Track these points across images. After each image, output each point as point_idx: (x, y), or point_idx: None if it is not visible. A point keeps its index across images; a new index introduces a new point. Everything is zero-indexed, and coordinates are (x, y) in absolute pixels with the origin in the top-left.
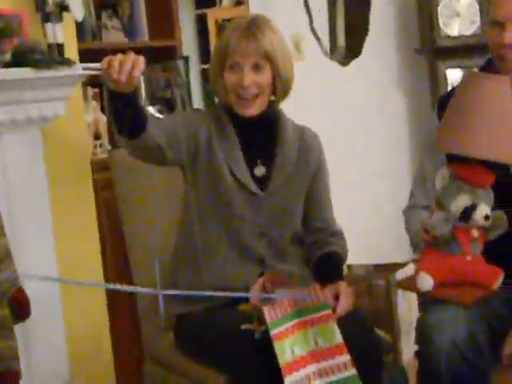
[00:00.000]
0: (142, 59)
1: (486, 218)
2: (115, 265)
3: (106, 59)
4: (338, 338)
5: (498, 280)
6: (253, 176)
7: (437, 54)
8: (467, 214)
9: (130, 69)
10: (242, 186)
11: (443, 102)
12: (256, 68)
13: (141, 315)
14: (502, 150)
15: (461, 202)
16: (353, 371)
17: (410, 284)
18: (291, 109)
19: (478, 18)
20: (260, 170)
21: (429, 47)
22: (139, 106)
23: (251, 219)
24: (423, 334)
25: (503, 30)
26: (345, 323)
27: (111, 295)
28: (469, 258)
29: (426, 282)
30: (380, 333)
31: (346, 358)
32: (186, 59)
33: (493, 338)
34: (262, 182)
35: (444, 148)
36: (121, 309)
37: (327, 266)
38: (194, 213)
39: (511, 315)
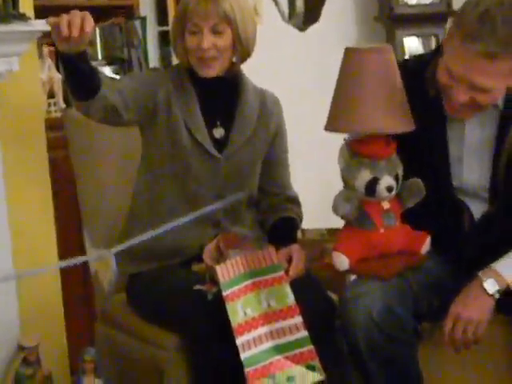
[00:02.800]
0: (89, 14)
1: (389, 189)
2: (66, 225)
3: (52, 19)
4: (291, 300)
5: (425, 245)
6: (212, 137)
7: (394, 22)
8: (371, 187)
9: (81, 23)
10: (200, 148)
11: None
12: (215, 31)
13: (92, 275)
14: (388, 122)
15: (362, 177)
16: (304, 333)
17: (329, 266)
18: (247, 72)
19: None
20: (219, 132)
21: (386, 15)
22: (92, 66)
23: (208, 181)
24: (342, 308)
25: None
26: (298, 286)
27: (63, 254)
28: (382, 230)
29: (341, 260)
30: (332, 297)
31: (297, 319)
32: (143, 20)
33: (418, 311)
34: (220, 144)
35: (329, 128)
36: (72, 268)
37: (282, 230)
38: (150, 173)
39: (436, 287)
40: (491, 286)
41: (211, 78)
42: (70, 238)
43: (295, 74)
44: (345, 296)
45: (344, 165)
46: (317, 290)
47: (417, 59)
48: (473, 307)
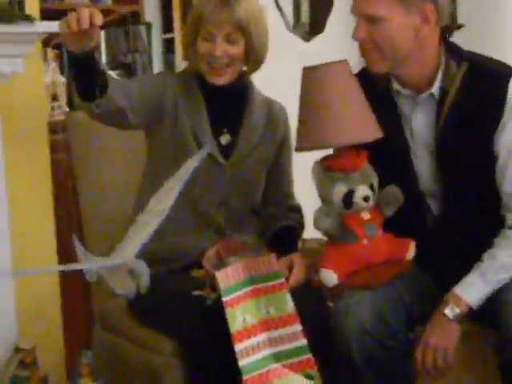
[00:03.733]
0: (97, 10)
1: (366, 199)
2: (66, 228)
3: (64, 19)
4: (290, 308)
5: (410, 250)
6: (218, 144)
7: None
8: (347, 200)
9: (90, 17)
10: (206, 157)
11: None
12: (229, 40)
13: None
14: (357, 132)
15: (337, 191)
16: (303, 341)
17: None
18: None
19: None
20: (225, 138)
21: None
22: (100, 67)
23: (212, 187)
24: (334, 319)
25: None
26: (298, 294)
27: (63, 259)
28: (365, 241)
29: (329, 277)
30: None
31: (296, 327)
32: (149, 26)
33: (410, 317)
34: (226, 151)
35: (299, 149)
36: (72, 272)
37: (283, 239)
38: (155, 178)
39: (427, 293)
40: (451, 311)
41: (220, 87)
42: (69, 241)
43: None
44: (336, 307)
45: (318, 182)
46: (316, 299)
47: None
48: (438, 334)
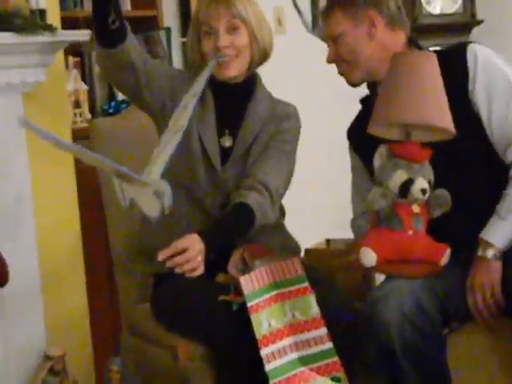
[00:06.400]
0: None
1: (423, 191)
2: (92, 234)
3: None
4: (315, 311)
5: (444, 257)
6: (220, 147)
7: (418, 32)
8: (405, 188)
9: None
10: (207, 159)
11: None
12: (231, 29)
13: (119, 285)
14: (447, 119)
15: (398, 177)
16: (329, 345)
17: (354, 263)
18: (270, 82)
19: None
20: (227, 141)
21: (410, 25)
22: (121, 12)
23: (212, 190)
24: (372, 307)
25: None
26: (323, 296)
27: (90, 267)
28: (410, 232)
29: (369, 256)
30: (358, 307)
31: (322, 331)
32: (168, 30)
33: (441, 308)
34: (227, 153)
35: (383, 122)
36: (99, 280)
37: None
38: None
39: (455, 288)
40: (486, 253)
41: (228, 85)
42: (95, 247)
43: (314, 82)
44: (373, 296)
45: (380, 164)
46: (342, 301)
47: None
48: (481, 273)
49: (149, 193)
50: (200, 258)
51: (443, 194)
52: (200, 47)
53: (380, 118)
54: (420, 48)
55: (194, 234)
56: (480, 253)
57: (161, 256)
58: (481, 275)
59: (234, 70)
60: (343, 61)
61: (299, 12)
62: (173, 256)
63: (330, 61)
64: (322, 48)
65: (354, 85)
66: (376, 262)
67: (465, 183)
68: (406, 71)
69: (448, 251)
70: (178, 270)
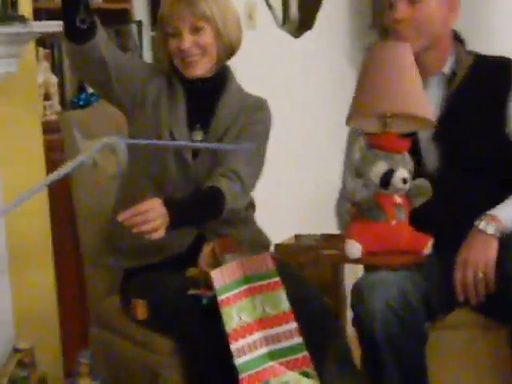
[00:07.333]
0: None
1: (404, 181)
2: (62, 227)
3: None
4: (286, 306)
5: (427, 246)
6: (191, 141)
7: (387, 30)
8: (386, 179)
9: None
10: (178, 153)
11: None
12: (195, 29)
13: (87, 278)
14: (425, 107)
15: (378, 168)
16: (299, 339)
17: (339, 255)
18: (240, 77)
19: None
20: (198, 135)
21: (380, 23)
22: (90, 9)
23: (183, 185)
24: (357, 296)
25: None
26: (293, 292)
27: (59, 259)
28: (393, 222)
29: (354, 248)
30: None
31: (292, 325)
32: (139, 24)
33: (425, 300)
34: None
35: (362, 113)
36: (67, 271)
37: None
38: (130, 172)
39: (439, 283)
40: (487, 226)
41: (198, 80)
42: (64, 240)
43: (288, 78)
44: (359, 286)
45: (360, 156)
46: (312, 296)
47: None
48: (477, 249)
49: (105, 150)
50: (159, 222)
51: (423, 183)
52: (166, 46)
53: (359, 110)
54: (461, 41)
55: (158, 198)
56: (481, 226)
57: (120, 217)
58: (476, 252)
59: (201, 69)
60: (412, 25)
61: (270, 7)
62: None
63: (399, 19)
64: (292, 43)
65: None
66: (362, 254)
67: (474, 182)
68: (382, 62)
69: (431, 241)
70: (135, 230)
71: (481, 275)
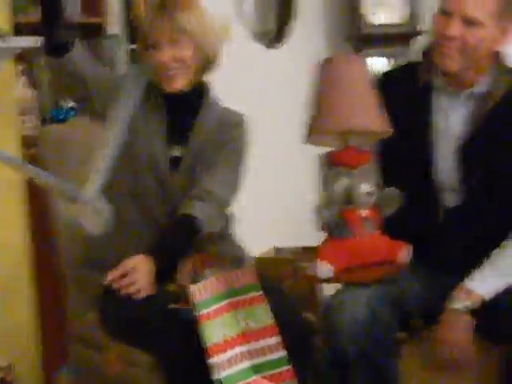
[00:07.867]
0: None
1: (367, 195)
2: (42, 244)
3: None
4: (269, 320)
5: (402, 254)
6: (169, 157)
7: (362, 42)
8: (349, 194)
9: None
10: (156, 166)
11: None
12: (174, 43)
13: (66, 293)
14: (375, 120)
15: (340, 185)
16: (282, 353)
17: (313, 276)
18: (217, 90)
19: (403, 7)
20: (176, 150)
21: (355, 34)
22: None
23: (162, 198)
24: (326, 316)
25: (449, 20)
26: (275, 306)
27: (39, 275)
28: (361, 237)
29: (325, 269)
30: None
31: (276, 339)
32: (116, 37)
33: (403, 316)
34: (176, 163)
35: (314, 131)
36: (48, 289)
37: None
38: (109, 187)
39: (418, 291)
40: (461, 304)
41: (177, 94)
42: (44, 254)
43: (265, 91)
44: (328, 305)
45: (323, 175)
46: (293, 310)
47: (398, 68)
48: (454, 330)
49: (89, 210)
50: (147, 280)
51: (391, 192)
52: (147, 57)
53: (317, 128)
54: (502, 59)
55: (141, 255)
56: (455, 305)
57: (108, 279)
58: (454, 333)
59: (181, 83)
60: (460, 46)
61: (245, 20)
62: (121, 277)
63: (452, 36)
64: (267, 55)
65: (443, 69)
66: (333, 273)
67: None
68: (338, 77)
69: (405, 248)
70: (123, 292)
71: (457, 358)
